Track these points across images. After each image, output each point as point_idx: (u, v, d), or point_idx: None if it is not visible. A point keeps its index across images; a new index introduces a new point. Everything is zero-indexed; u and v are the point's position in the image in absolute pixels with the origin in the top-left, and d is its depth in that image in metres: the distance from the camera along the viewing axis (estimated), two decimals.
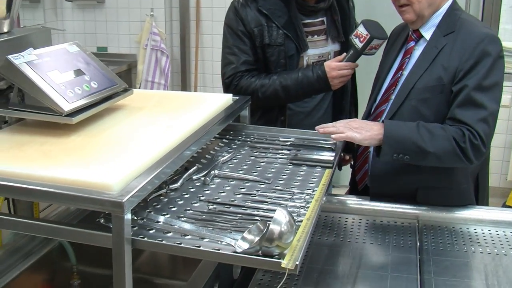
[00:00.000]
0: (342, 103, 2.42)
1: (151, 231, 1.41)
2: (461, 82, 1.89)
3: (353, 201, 2.17)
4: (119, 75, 4.56)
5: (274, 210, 1.38)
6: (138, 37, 4.64)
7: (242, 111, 2.08)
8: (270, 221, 1.28)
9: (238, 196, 1.61)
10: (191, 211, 1.52)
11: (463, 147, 1.86)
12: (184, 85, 4.59)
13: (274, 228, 1.27)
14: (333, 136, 1.91)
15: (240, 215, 1.50)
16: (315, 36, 2.35)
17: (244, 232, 1.34)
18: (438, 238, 1.97)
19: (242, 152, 1.95)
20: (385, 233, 2.01)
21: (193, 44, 4.58)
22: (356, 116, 2.55)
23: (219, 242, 1.35)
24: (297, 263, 1.25)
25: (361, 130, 1.91)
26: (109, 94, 1.75)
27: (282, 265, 1.24)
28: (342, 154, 2.51)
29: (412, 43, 2.07)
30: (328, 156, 1.89)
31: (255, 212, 1.51)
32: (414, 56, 2.05)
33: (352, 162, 2.31)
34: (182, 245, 1.34)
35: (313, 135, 2.08)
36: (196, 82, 4.60)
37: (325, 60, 2.32)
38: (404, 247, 1.91)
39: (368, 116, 2.16)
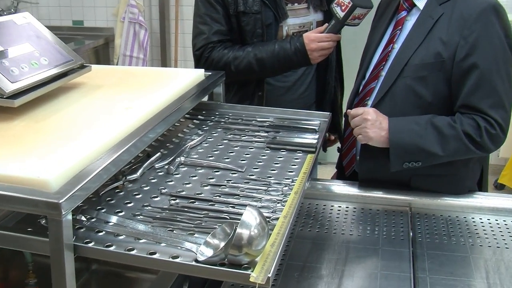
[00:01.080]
0: (326, 78, 2.17)
1: (100, 234, 1.16)
2: (467, 60, 1.64)
3: (339, 187, 1.93)
4: (96, 49, 4.29)
5: (246, 205, 1.14)
6: (115, 9, 4.33)
7: (216, 88, 1.82)
8: (239, 220, 1.04)
9: (206, 188, 1.37)
10: (149, 208, 1.27)
11: (479, 141, 1.64)
12: (164, 60, 4.31)
13: (242, 232, 1.03)
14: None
15: (206, 212, 1.25)
16: (296, 4, 2.08)
17: (208, 235, 1.10)
18: (433, 228, 1.74)
19: (214, 134, 1.70)
20: (375, 223, 1.77)
21: (173, 16, 4.28)
22: (342, 93, 2.29)
23: (179, 248, 1.10)
24: (269, 275, 1.01)
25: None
26: (62, 71, 1.49)
27: (251, 279, 1.00)
28: (327, 134, 2.27)
29: (403, 13, 1.81)
30: (310, 138, 1.64)
31: (224, 208, 1.26)
32: (406, 27, 1.80)
33: (339, 145, 2.06)
34: (133, 252, 1.10)
35: (294, 115, 1.83)
36: (176, 56, 4.31)
37: (306, 31, 2.05)
38: (396, 239, 1.68)
39: (356, 95, 1.91)
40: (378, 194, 1.88)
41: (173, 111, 1.46)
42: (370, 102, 1.83)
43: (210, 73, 1.80)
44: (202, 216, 1.23)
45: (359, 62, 1.96)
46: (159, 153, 1.50)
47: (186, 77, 1.70)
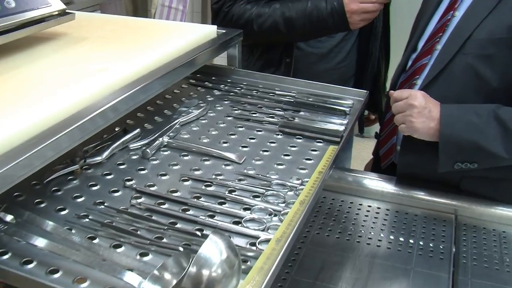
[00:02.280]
0: (369, 46, 1.73)
1: (23, 242, 0.82)
2: None
3: (372, 181, 1.53)
4: None
5: (232, 216, 0.79)
6: None
7: (229, 49, 1.43)
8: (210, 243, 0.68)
9: (185, 183, 1.00)
10: (102, 207, 0.92)
11: None
12: (205, 13, 3.91)
13: (198, 273, 0.66)
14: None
15: (174, 222, 0.89)
16: None
17: (162, 263, 0.75)
18: (482, 246, 1.33)
19: (218, 108, 1.32)
20: (410, 232, 1.38)
21: None
22: (387, 67, 1.86)
23: (118, 277, 0.75)
24: None
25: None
26: (32, 18, 1.13)
27: None
28: (366, 113, 1.85)
29: None
30: (337, 124, 1.24)
31: (200, 218, 0.90)
32: None
33: (378, 130, 1.64)
34: (55, 276, 0.76)
35: (322, 89, 1.43)
36: None
37: None
38: (434, 258, 1.28)
39: (402, 71, 1.49)
40: (418, 194, 1.48)
41: (158, 76, 1.08)
42: (419, 82, 1.41)
43: (223, 31, 1.40)
44: (166, 228, 0.87)
45: (409, 31, 1.52)
46: (138, 130, 1.14)
47: (193, 34, 1.32)
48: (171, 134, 1.15)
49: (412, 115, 1.29)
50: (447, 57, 1.30)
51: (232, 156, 1.09)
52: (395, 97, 1.34)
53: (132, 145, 1.10)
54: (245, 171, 1.05)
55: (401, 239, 1.35)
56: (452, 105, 1.29)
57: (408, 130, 1.32)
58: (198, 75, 1.48)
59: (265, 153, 1.13)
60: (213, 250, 0.69)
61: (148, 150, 1.07)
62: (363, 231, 1.38)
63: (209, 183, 1.00)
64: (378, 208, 1.47)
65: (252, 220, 0.90)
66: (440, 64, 1.32)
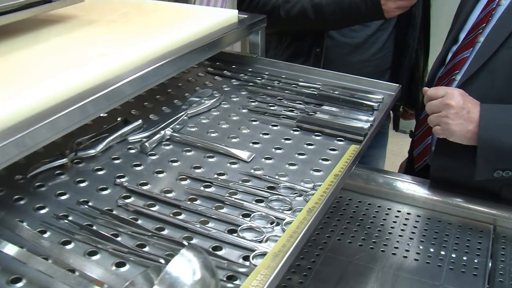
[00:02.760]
0: (407, 37, 1.57)
1: None
2: None
3: (403, 184, 1.38)
4: None
5: (227, 222, 0.72)
6: None
7: (250, 35, 1.30)
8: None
9: (182, 183, 0.89)
10: (85, 207, 0.81)
11: None
12: None
13: None
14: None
15: (161, 227, 0.78)
16: None
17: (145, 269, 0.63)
18: None
19: (234, 99, 1.19)
20: (441, 242, 1.23)
21: None
22: (426, 59, 1.69)
23: None
24: None
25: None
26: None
27: None
28: (400, 110, 1.70)
29: None
30: (362, 121, 1.10)
31: (190, 225, 0.78)
32: None
33: (414, 128, 1.49)
34: None
35: (351, 82, 1.29)
36: None
37: None
38: (466, 273, 1.13)
39: (441, 65, 1.33)
40: (453, 200, 1.32)
41: (166, 60, 0.96)
42: (458, 78, 1.25)
43: (246, 16, 1.28)
44: (150, 234, 0.75)
45: (450, 21, 1.36)
46: (139, 121, 1.03)
47: (211, 18, 1.19)
48: (176, 126, 1.04)
49: (448, 116, 1.14)
50: (489, 50, 1.14)
51: (239, 153, 0.97)
52: (430, 95, 1.19)
53: (131, 138, 0.99)
54: (252, 171, 0.93)
55: (431, 250, 1.20)
56: (493, 106, 1.13)
57: (443, 132, 1.17)
58: (217, 63, 1.36)
59: (278, 151, 1.00)
60: (184, 268, 0.57)
61: (146, 144, 0.96)
62: (389, 239, 1.23)
63: (209, 184, 0.88)
64: (408, 213, 1.33)
65: (250, 229, 0.78)
66: (481, 59, 1.16)
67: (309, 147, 1.02)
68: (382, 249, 1.20)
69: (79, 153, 0.92)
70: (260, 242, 0.75)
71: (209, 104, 1.13)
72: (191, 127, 1.06)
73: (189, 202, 0.83)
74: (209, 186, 0.88)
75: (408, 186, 1.37)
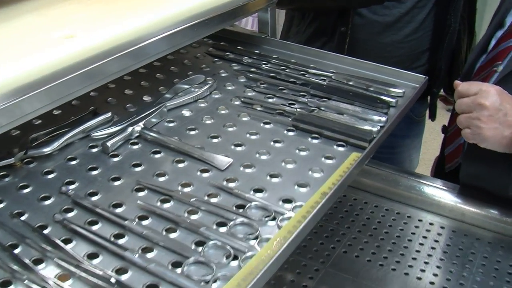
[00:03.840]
0: (448, 18, 1.35)
1: None
2: None
3: (429, 189, 1.20)
4: None
5: (174, 252, 0.63)
6: None
7: (257, 11, 1.12)
8: None
9: (138, 194, 0.74)
10: (17, 222, 0.68)
11: None
12: None
13: None
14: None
15: (96, 251, 0.64)
16: None
17: None
18: None
19: (228, 88, 1.03)
20: (465, 261, 1.04)
21: None
22: (470, 43, 1.45)
23: None
24: None
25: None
26: None
27: None
28: (436, 101, 1.49)
29: None
30: (373, 121, 0.92)
31: (127, 254, 0.64)
32: None
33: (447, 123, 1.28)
34: None
35: (372, 70, 1.10)
36: None
37: None
38: None
39: (483, 52, 1.12)
40: (486, 211, 1.13)
41: (149, 40, 0.81)
42: (500, 69, 1.04)
43: None
44: (76, 264, 0.62)
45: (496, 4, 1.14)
46: (108, 114, 0.88)
47: None
48: (152, 120, 0.89)
49: (480, 118, 0.94)
50: None
51: (215, 159, 0.81)
52: (461, 91, 0.99)
53: (95, 134, 0.85)
54: (224, 182, 0.77)
55: (452, 270, 1.03)
56: None
57: (474, 137, 0.97)
58: (222, 43, 1.19)
59: (263, 157, 0.83)
60: None
61: (108, 143, 0.82)
62: (404, 255, 1.06)
63: (168, 197, 0.74)
64: (431, 224, 1.14)
65: (197, 263, 0.63)
66: None
67: (302, 153, 0.85)
68: (393, 267, 1.03)
69: (30, 152, 0.79)
70: (207, 283, 0.61)
71: (197, 94, 0.97)
72: (169, 121, 0.91)
73: (136, 222, 0.69)
74: (167, 201, 0.73)
75: (434, 190, 1.18)
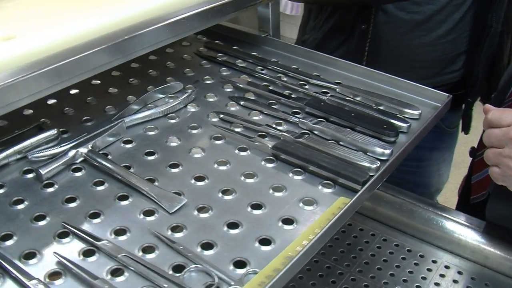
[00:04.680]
0: (488, 17, 1.13)
1: None
2: None
3: (447, 222, 1.00)
4: None
5: None
6: None
7: (253, 6, 0.95)
8: None
9: (61, 242, 0.60)
10: None
11: None
12: None
13: None
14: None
15: None
16: None
17: None
18: None
19: (208, 100, 0.87)
20: None
21: None
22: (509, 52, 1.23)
23: None
24: None
25: None
26: None
27: None
28: (471, 112, 1.29)
29: None
30: (374, 154, 0.74)
31: None
32: None
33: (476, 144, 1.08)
34: None
35: (388, 83, 0.92)
36: None
37: None
38: None
39: None
40: (509, 255, 0.93)
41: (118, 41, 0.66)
42: None
43: None
44: None
45: None
46: (54, 131, 0.74)
47: None
48: (109, 138, 0.74)
49: None
50: None
51: (165, 197, 0.65)
52: (491, 120, 0.79)
53: (33, 155, 0.71)
54: (168, 232, 0.62)
55: None
56: None
57: (503, 179, 0.78)
58: (216, 41, 1.03)
59: (226, 197, 0.67)
60: None
61: (41, 170, 0.67)
62: None
63: (92, 250, 0.59)
64: (447, 267, 0.96)
65: None
66: None
67: (276, 194, 0.68)
68: None
69: None
70: None
71: (168, 107, 0.81)
72: (126, 141, 0.76)
73: (42, 284, 0.54)
74: (91, 253, 0.58)
75: (455, 226, 0.99)
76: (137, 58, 0.92)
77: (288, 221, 0.64)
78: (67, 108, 0.82)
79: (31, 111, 0.81)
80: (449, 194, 1.61)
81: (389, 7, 1.14)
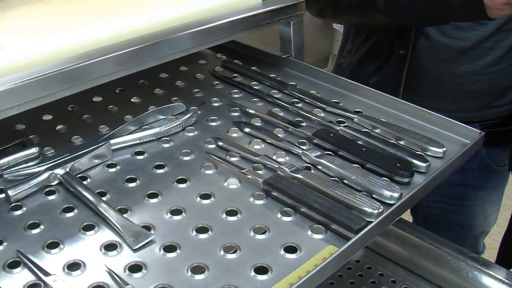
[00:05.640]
0: None
1: None
2: None
3: (486, 279, 0.87)
4: None
5: None
6: None
7: (276, 24, 0.87)
8: None
9: (11, 273, 0.54)
10: None
11: None
12: None
13: None
14: None
15: None
16: None
17: None
18: None
19: (210, 124, 0.80)
20: None
21: None
22: None
23: None
24: None
25: None
26: None
27: None
28: None
29: None
30: (381, 197, 0.64)
31: None
32: None
33: None
34: None
35: (413, 115, 0.81)
36: None
37: None
38: None
39: None
40: None
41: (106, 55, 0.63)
42: None
43: None
44: None
45: None
46: (35, 149, 0.69)
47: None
48: (95, 160, 0.68)
49: None
50: None
51: (130, 231, 0.58)
52: None
53: (9, 174, 0.66)
54: (125, 272, 0.54)
55: None
56: None
57: None
58: (235, 61, 0.96)
59: (201, 236, 0.59)
60: None
61: (10, 191, 0.62)
62: None
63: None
64: None
65: None
66: None
67: (258, 236, 0.59)
68: None
69: None
70: None
71: (163, 130, 0.75)
72: (110, 165, 0.70)
73: None
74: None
75: (490, 281, 0.86)
76: (146, 75, 0.88)
77: (262, 270, 0.55)
78: (60, 126, 0.77)
79: (23, 126, 0.77)
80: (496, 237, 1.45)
81: (431, 30, 1.03)
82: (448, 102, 1.08)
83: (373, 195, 0.65)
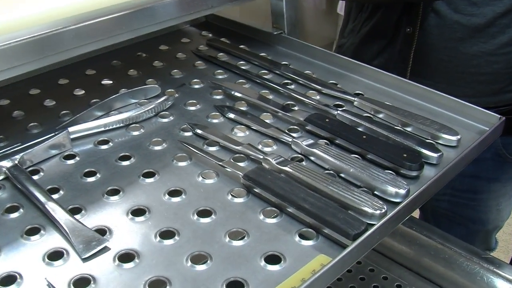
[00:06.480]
0: None
1: None
2: None
3: (500, 282, 0.76)
4: None
5: None
6: None
7: None
8: None
9: None
10: None
11: None
12: None
13: None
14: None
15: None
16: None
17: None
18: None
19: (189, 109, 0.68)
20: None
21: None
22: None
23: None
24: None
25: None
26: None
27: None
28: None
29: None
30: (385, 194, 0.53)
31: None
32: None
33: None
34: None
35: (422, 97, 0.70)
36: None
37: None
38: None
39: None
40: None
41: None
42: None
43: None
44: None
45: None
46: None
47: None
48: (51, 151, 0.58)
49: None
50: None
51: (79, 238, 0.48)
52: None
53: None
54: (71, 287, 0.44)
55: None
56: None
57: None
58: (222, 39, 0.84)
59: (167, 241, 0.49)
60: None
61: None
62: None
63: None
64: None
65: None
66: None
67: (234, 243, 0.49)
68: None
69: None
70: None
71: (131, 115, 0.64)
72: (68, 157, 0.59)
73: None
74: None
75: (504, 285, 0.75)
76: (121, 55, 0.77)
77: (236, 285, 0.44)
78: (17, 111, 0.66)
79: None
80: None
81: (442, 7, 0.91)
82: (460, 85, 0.96)
83: (375, 192, 0.54)
